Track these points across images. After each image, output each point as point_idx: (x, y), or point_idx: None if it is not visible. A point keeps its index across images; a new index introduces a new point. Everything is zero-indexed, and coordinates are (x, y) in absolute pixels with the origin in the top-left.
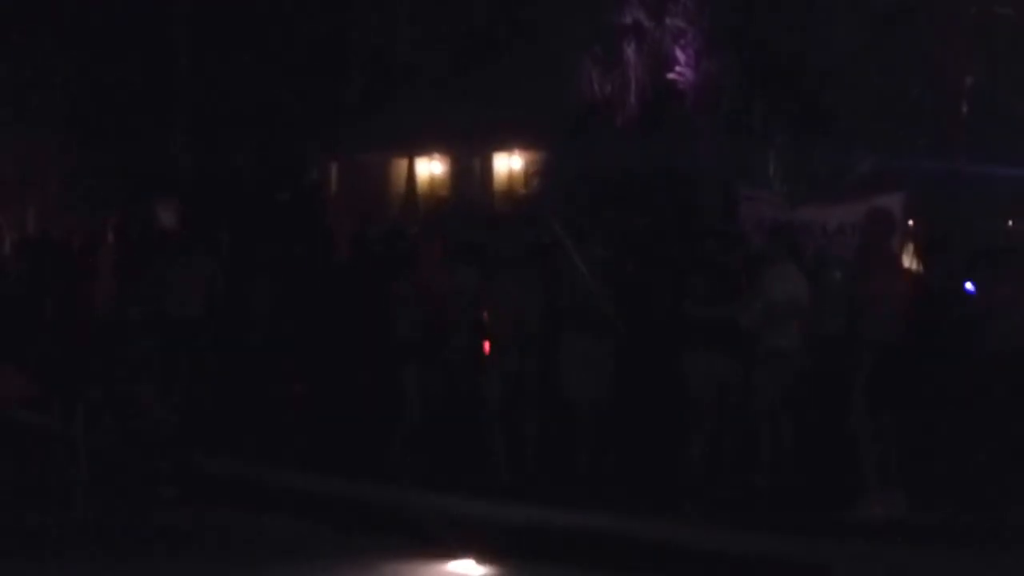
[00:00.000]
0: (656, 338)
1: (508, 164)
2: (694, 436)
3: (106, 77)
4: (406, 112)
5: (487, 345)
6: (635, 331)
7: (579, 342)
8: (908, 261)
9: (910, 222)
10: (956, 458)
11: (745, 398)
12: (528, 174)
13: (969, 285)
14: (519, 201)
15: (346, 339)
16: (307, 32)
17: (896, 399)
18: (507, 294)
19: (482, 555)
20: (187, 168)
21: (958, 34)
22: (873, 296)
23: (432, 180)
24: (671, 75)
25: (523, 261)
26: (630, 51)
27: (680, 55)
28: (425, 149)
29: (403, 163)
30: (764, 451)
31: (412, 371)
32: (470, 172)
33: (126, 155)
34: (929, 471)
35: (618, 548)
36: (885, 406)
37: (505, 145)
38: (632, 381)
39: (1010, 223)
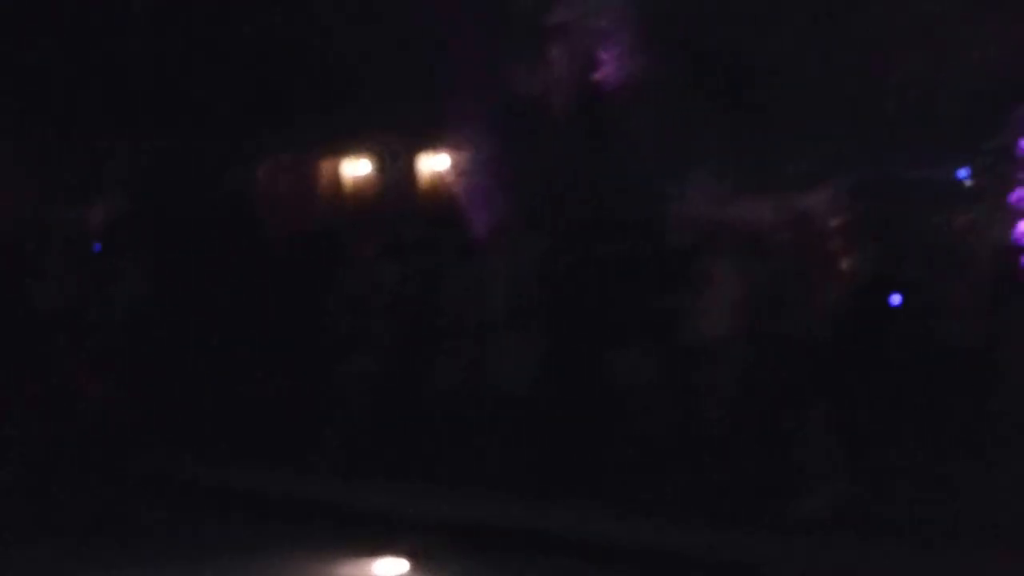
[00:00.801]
0: (589, 334)
1: (436, 163)
2: (631, 430)
3: (39, 75)
4: (334, 111)
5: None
6: (568, 327)
7: (512, 338)
8: (843, 259)
9: (843, 219)
10: (893, 452)
11: (682, 392)
12: (456, 173)
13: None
14: (447, 199)
15: (278, 337)
16: (237, 31)
17: (835, 394)
18: (439, 290)
19: (414, 550)
20: (118, 168)
21: (893, 33)
22: (806, 294)
23: (360, 179)
24: (598, 74)
25: (453, 258)
26: (558, 51)
27: (607, 54)
28: (353, 148)
29: (329, 162)
30: (703, 445)
31: (346, 367)
32: (397, 171)
33: (59, 155)
34: (867, 465)
35: (549, 543)
36: (825, 401)
37: (433, 144)
38: (566, 376)
39: (945, 221)
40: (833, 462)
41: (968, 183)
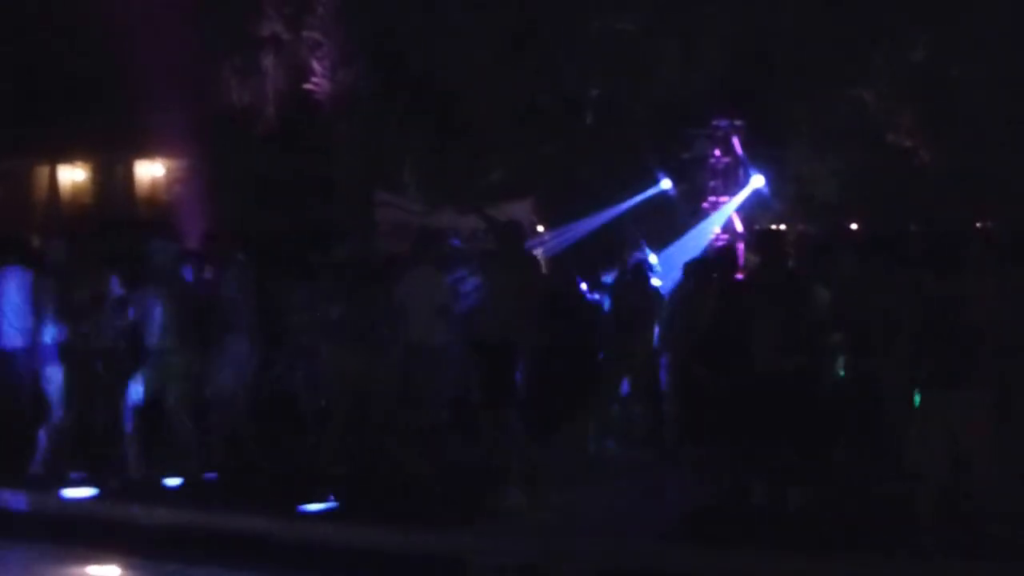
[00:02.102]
0: (296, 339)
1: (151, 171)
2: (330, 429)
3: None
4: (48, 118)
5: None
6: (279, 333)
7: (222, 344)
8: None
9: (540, 227)
10: (577, 450)
11: (383, 393)
12: (170, 181)
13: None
14: (162, 208)
15: None
16: None
17: (522, 395)
18: (158, 300)
19: (122, 556)
20: None
21: (581, 49)
22: (502, 300)
23: (75, 187)
24: (308, 86)
25: (171, 267)
26: (268, 62)
27: (316, 66)
28: (67, 156)
29: (45, 170)
30: (398, 443)
31: (56, 375)
32: (112, 179)
33: None
34: (550, 464)
35: (256, 547)
36: (516, 402)
37: (147, 152)
38: (275, 379)
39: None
40: (526, 459)
41: (668, 192)
